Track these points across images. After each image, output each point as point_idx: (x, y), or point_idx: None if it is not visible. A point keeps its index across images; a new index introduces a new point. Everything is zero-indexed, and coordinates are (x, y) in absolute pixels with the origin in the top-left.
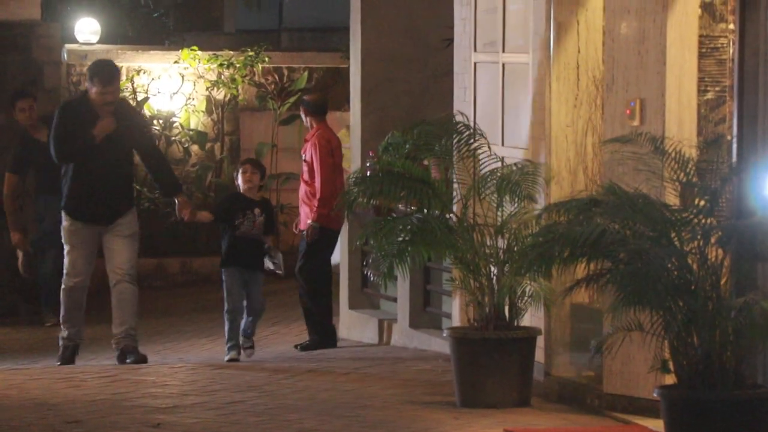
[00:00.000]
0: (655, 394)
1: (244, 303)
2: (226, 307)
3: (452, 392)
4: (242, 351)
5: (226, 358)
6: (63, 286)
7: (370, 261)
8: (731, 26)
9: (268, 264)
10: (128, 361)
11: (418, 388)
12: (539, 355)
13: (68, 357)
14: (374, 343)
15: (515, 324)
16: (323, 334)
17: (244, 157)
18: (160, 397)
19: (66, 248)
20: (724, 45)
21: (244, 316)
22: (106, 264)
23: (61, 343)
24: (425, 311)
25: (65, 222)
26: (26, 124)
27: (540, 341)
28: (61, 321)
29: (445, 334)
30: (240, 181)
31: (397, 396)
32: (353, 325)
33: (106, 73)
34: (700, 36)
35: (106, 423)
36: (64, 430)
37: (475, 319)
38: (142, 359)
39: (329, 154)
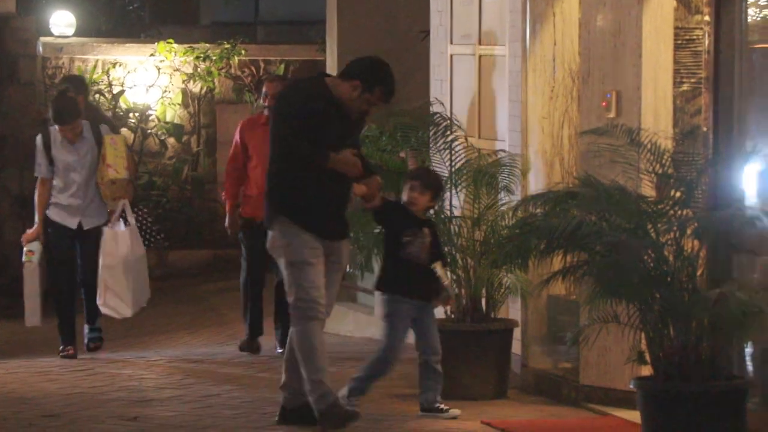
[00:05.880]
0: (631, 386)
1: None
2: (382, 354)
3: None
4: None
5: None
6: (303, 324)
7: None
8: (706, 18)
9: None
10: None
11: (396, 380)
12: (516, 347)
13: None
14: (352, 335)
15: (492, 316)
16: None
17: (220, 150)
18: (136, 390)
19: (298, 267)
20: (700, 37)
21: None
22: None
23: (317, 406)
24: None
25: (294, 233)
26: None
27: (517, 333)
28: (308, 375)
29: None
30: (405, 197)
31: (376, 389)
32: (331, 318)
33: (394, 83)
34: (676, 28)
35: (82, 417)
36: (41, 424)
37: (452, 312)
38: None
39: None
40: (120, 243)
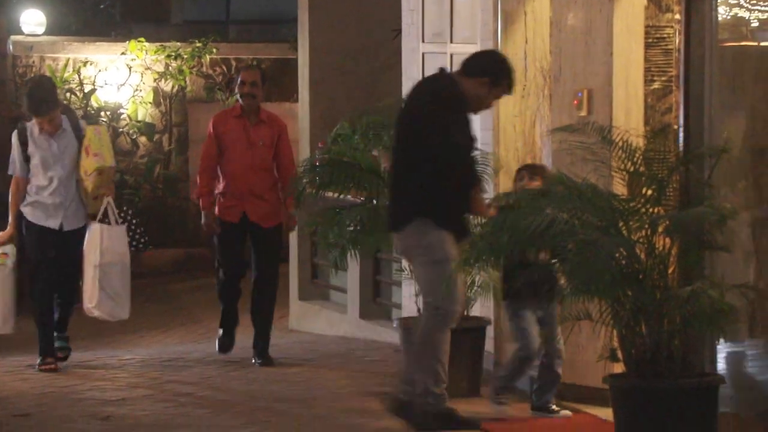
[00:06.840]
0: (604, 383)
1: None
2: (520, 353)
3: None
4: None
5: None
6: (442, 330)
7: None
8: (677, 16)
9: None
10: None
11: (369, 379)
12: (489, 345)
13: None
14: (324, 333)
15: (465, 314)
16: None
17: (192, 149)
18: (108, 389)
19: (443, 264)
20: (670, 35)
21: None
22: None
23: (430, 409)
24: (375, 302)
25: (436, 232)
26: None
27: (490, 331)
28: (431, 382)
29: (395, 325)
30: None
31: (348, 387)
32: (303, 316)
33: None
34: (647, 26)
35: (54, 416)
36: (12, 424)
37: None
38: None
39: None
40: (117, 240)
